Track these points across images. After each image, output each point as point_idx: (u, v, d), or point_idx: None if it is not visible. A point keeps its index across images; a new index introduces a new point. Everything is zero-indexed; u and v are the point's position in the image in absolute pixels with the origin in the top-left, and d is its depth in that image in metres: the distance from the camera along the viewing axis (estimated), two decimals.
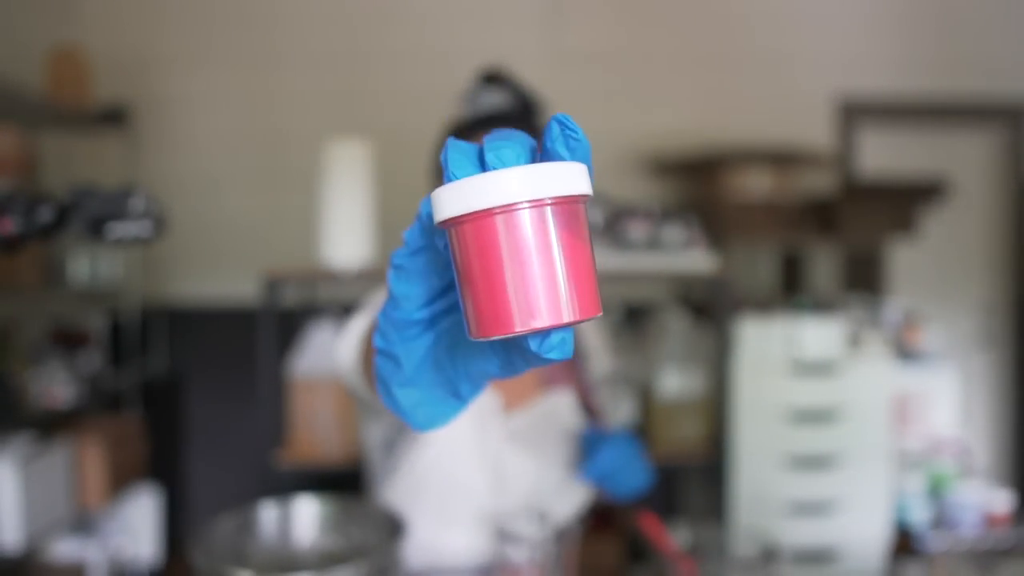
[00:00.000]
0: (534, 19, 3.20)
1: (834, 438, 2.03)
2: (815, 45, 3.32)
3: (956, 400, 2.19)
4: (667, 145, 3.18)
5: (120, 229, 0.78)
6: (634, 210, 2.04)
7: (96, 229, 0.78)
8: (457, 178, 0.37)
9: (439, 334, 0.45)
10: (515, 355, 0.41)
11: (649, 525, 1.16)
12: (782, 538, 2.00)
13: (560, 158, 0.38)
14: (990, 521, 1.91)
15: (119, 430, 2.71)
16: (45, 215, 0.77)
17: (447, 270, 0.43)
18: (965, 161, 3.50)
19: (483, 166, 0.38)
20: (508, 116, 1.08)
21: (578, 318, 0.37)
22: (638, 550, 2.14)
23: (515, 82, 1.14)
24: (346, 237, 1.86)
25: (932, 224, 3.28)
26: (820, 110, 3.33)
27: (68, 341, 2.79)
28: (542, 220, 0.36)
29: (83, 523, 2.63)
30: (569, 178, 0.36)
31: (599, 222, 2.01)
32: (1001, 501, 1.92)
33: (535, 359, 0.39)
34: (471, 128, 1.08)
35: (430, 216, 0.41)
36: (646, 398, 2.13)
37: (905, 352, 2.23)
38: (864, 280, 3.33)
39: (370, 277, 1.88)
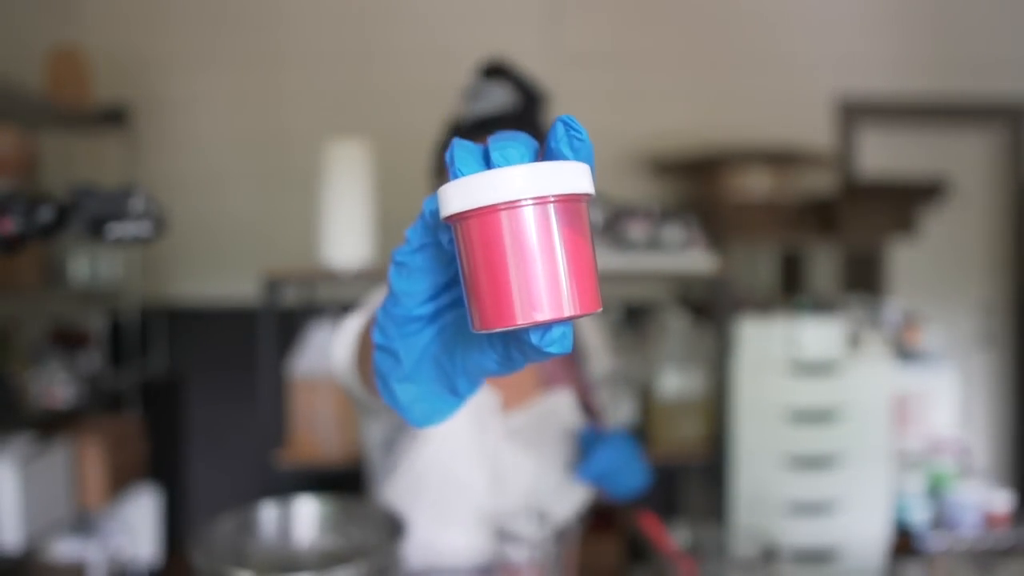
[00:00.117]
0: (534, 19, 3.20)
1: (834, 438, 2.03)
2: (815, 45, 3.32)
3: (956, 400, 2.19)
4: (667, 145, 3.18)
5: (120, 229, 0.78)
6: (634, 210, 2.04)
7: (96, 229, 0.78)
8: (463, 175, 0.38)
9: (438, 330, 0.46)
10: (514, 350, 0.42)
11: (649, 525, 1.16)
12: (782, 538, 2.00)
13: (564, 158, 0.39)
14: (990, 521, 1.91)
15: (119, 430, 2.71)
16: (45, 215, 0.77)
17: (447, 267, 0.44)
18: (965, 161, 3.50)
19: (488, 165, 0.38)
20: (509, 117, 1.07)
21: (579, 312, 0.38)
22: (638, 550, 2.14)
23: (517, 75, 1.13)
24: (346, 237, 1.86)
25: (932, 224, 3.28)
26: (820, 110, 3.33)
27: (68, 341, 2.79)
28: (545, 217, 0.37)
29: (83, 523, 2.63)
30: (572, 177, 0.38)
31: (599, 222, 2.01)
32: (1001, 501, 1.92)
33: (535, 353, 0.40)
34: (472, 130, 1.08)
35: (433, 214, 0.41)
36: (646, 398, 2.13)
37: (905, 352, 2.23)
38: (864, 280, 3.33)
39: (370, 277, 1.88)
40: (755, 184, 2.78)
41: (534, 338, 0.38)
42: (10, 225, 0.76)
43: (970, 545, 1.88)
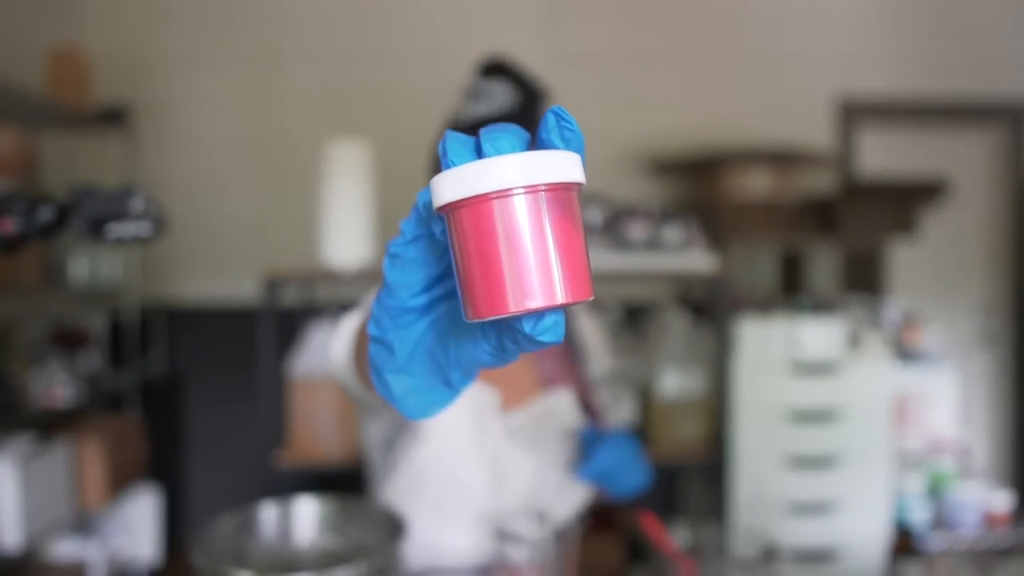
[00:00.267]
0: (534, 19, 3.20)
1: (834, 438, 2.03)
2: (815, 45, 3.32)
3: (956, 400, 2.19)
4: (667, 145, 3.18)
5: (120, 229, 0.78)
6: (634, 210, 2.04)
7: (96, 229, 0.78)
8: (455, 165, 0.38)
9: (432, 322, 0.46)
10: (507, 340, 0.42)
11: (649, 525, 1.16)
12: (782, 538, 2.00)
13: (555, 148, 0.39)
14: (989, 521, 1.91)
15: (119, 430, 2.71)
16: (45, 215, 0.77)
17: (441, 259, 0.44)
18: (965, 161, 3.51)
19: (480, 155, 0.39)
20: (508, 118, 1.07)
21: (571, 300, 0.38)
22: (638, 550, 2.15)
23: (517, 72, 1.12)
24: (346, 237, 1.86)
25: (932, 224, 3.28)
26: (820, 110, 3.33)
27: (68, 341, 2.79)
28: (537, 205, 0.38)
29: (83, 523, 2.64)
30: (563, 166, 0.38)
31: (599, 222, 2.01)
32: (1000, 501, 1.92)
33: (527, 342, 0.40)
34: (470, 130, 1.07)
35: (427, 205, 0.42)
36: (646, 398, 2.13)
37: (905, 352, 2.23)
38: (864, 280, 3.33)
39: (370, 277, 1.88)
40: (755, 184, 2.78)
41: (527, 327, 0.39)
42: (10, 225, 0.76)
43: (970, 545, 1.88)
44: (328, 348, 1.11)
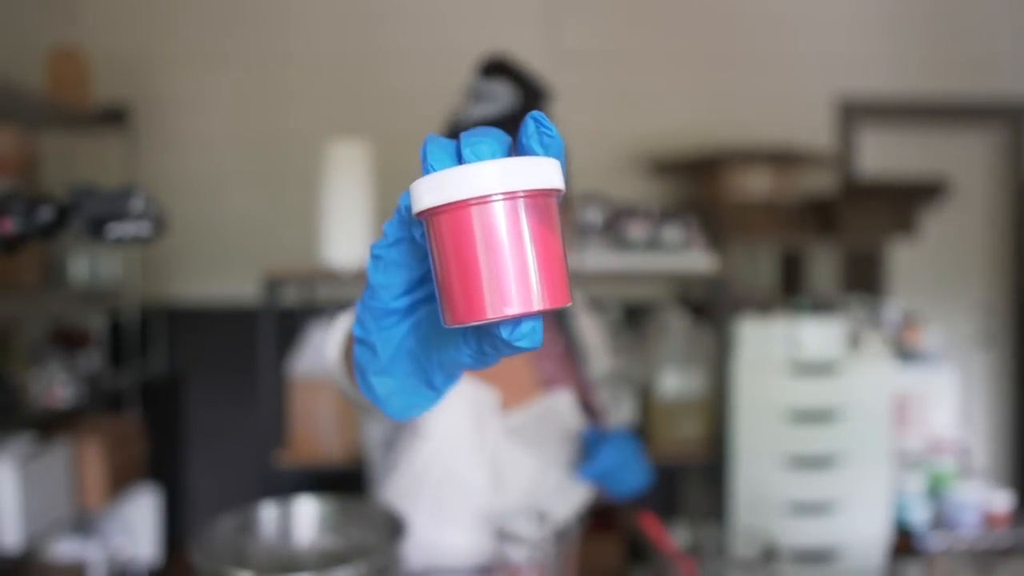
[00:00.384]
0: (534, 19, 3.20)
1: (834, 438, 2.03)
2: (815, 45, 3.32)
3: (956, 400, 2.19)
4: (667, 145, 3.18)
5: (120, 229, 0.78)
6: (634, 210, 2.04)
7: (96, 229, 0.78)
8: (435, 170, 0.39)
9: (413, 324, 0.46)
10: (486, 344, 0.42)
11: (649, 525, 1.16)
12: (782, 538, 2.00)
13: (535, 154, 0.39)
14: (989, 521, 1.91)
15: (119, 430, 2.71)
16: (45, 215, 0.77)
17: (423, 261, 0.44)
18: (965, 161, 3.51)
19: (460, 160, 0.39)
20: (508, 120, 1.06)
21: (548, 306, 0.38)
22: (638, 550, 2.15)
23: (518, 71, 1.11)
24: (346, 237, 1.86)
25: (932, 224, 3.28)
26: (820, 110, 3.33)
27: (68, 341, 2.79)
28: (515, 212, 0.38)
29: (83, 523, 2.64)
30: (542, 172, 0.38)
31: (599, 222, 2.01)
32: (1000, 501, 1.92)
33: (505, 347, 0.40)
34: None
35: (409, 208, 0.42)
36: (646, 398, 2.13)
37: (905, 352, 2.23)
38: (864, 280, 3.33)
39: None
40: (755, 184, 2.78)
41: (504, 332, 0.39)
42: (10, 225, 0.76)
43: (970, 545, 1.88)
44: (323, 347, 1.10)
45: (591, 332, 1.31)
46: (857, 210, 2.78)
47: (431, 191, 0.38)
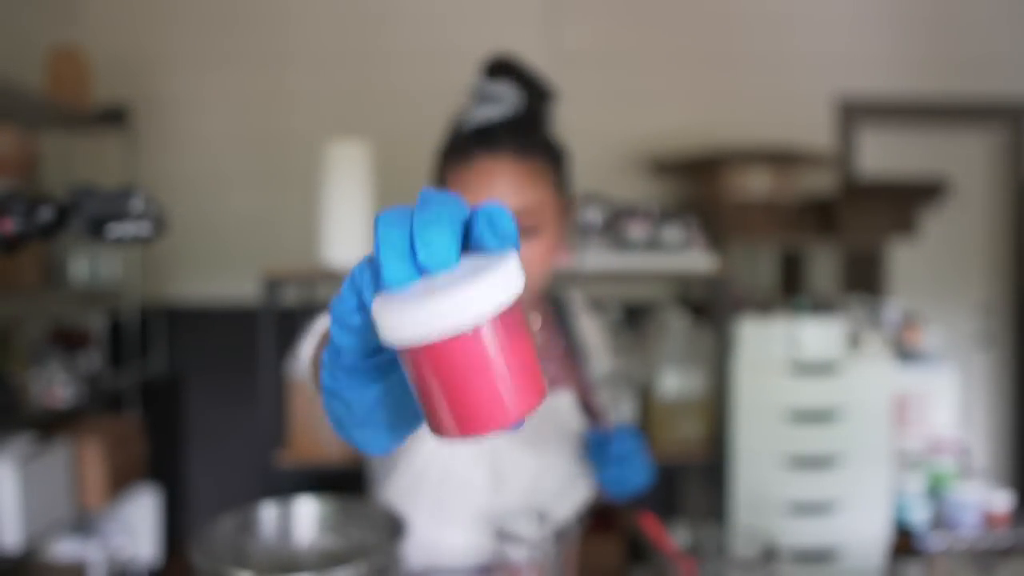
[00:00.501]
0: (534, 19, 3.20)
1: (834, 438, 2.03)
2: (815, 45, 3.32)
3: (956, 400, 2.19)
4: (667, 145, 3.18)
5: (120, 229, 0.78)
6: (634, 210, 2.04)
7: (96, 229, 0.78)
8: (390, 285, 0.37)
9: (390, 385, 0.44)
10: None
11: (649, 525, 1.16)
12: (782, 538, 2.00)
13: (488, 247, 0.38)
14: (989, 521, 1.91)
15: (119, 430, 2.71)
16: (45, 215, 0.77)
17: None
18: (965, 161, 3.51)
19: (415, 258, 0.37)
20: (512, 123, 1.05)
21: (524, 415, 0.37)
22: (638, 550, 2.15)
23: (523, 72, 1.10)
24: (346, 237, 1.86)
25: (932, 224, 3.28)
26: (820, 110, 3.33)
27: (68, 341, 2.79)
28: (481, 338, 0.36)
29: (83, 523, 2.63)
30: (506, 284, 0.36)
31: (599, 222, 2.01)
32: (1000, 501, 1.92)
33: None
34: (474, 136, 1.04)
35: (368, 285, 0.39)
36: (646, 398, 2.13)
37: (905, 352, 2.23)
38: (864, 280, 3.33)
39: None
40: (755, 184, 2.78)
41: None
42: (10, 225, 0.76)
43: (970, 545, 1.88)
44: (298, 350, 1.10)
45: (591, 332, 1.31)
46: (857, 210, 2.78)
47: (395, 329, 0.35)
